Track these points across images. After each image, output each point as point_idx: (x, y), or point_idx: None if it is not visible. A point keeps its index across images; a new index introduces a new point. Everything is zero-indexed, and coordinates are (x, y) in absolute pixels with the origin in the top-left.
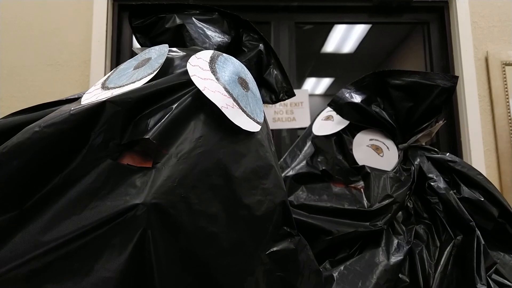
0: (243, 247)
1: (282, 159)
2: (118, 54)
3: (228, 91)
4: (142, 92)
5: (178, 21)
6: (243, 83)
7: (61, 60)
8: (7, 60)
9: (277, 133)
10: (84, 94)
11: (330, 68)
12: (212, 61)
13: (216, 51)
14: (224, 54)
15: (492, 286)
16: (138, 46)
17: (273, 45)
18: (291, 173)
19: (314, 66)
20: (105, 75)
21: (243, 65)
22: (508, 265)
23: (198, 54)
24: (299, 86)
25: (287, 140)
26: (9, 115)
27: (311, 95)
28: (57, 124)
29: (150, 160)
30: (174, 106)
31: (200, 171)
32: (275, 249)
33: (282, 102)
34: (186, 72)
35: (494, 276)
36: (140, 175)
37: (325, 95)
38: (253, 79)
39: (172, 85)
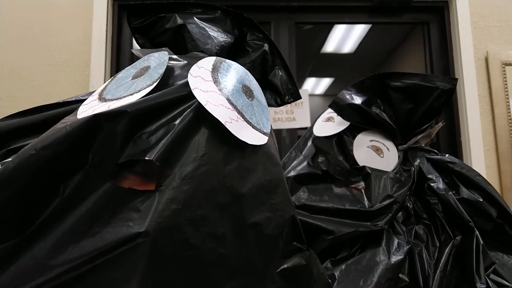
0: (254, 266)
1: (282, 161)
2: (118, 54)
3: (231, 103)
4: (141, 106)
5: (179, 21)
6: (247, 92)
7: (61, 60)
8: (7, 60)
9: (277, 133)
10: (81, 100)
11: (330, 68)
12: (215, 70)
13: (218, 58)
14: (227, 60)
15: (491, 286)
16: (138, 47)
17: None
18: (292, 173)
19: (314, 66)
20: (105, 75)
21: (247, 71)
22: (507, 265)
23: (200, 63)
24: (299, 86)
25: (287, 140)
26: (8, 116)
27: (311, 95)
28: (54, 146)
29: (152, 182)
30: (176, 123)
31: (206, 191)
32: (286, 266)
33: None
34: (187, 83)
35: (493, 276)
36: (142, 198)
37: (325, 95)
38: (258, 86)
39: (173, 98)
